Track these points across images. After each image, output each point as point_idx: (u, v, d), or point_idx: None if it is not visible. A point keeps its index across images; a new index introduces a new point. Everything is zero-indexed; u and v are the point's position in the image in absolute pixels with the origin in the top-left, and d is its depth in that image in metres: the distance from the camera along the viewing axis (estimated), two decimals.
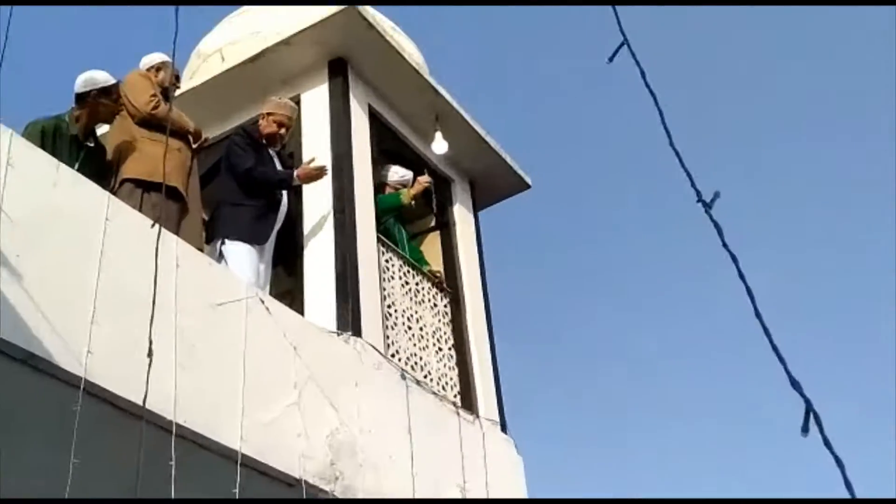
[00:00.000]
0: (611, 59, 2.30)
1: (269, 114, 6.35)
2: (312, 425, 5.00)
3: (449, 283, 7.29)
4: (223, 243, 5.92)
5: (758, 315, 1.79)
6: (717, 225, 1.96)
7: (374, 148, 6.94)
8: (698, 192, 2.01)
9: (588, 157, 21.05)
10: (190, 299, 4.55)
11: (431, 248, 7.66)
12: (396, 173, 7.28)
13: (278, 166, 6.27)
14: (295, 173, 6.14)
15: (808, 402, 1.66)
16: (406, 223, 7.32)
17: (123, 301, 4.11)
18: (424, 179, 7.16)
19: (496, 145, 7.89)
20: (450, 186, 7.85)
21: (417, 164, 7.49)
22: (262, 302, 5.05)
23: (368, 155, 6.85)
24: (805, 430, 1.66)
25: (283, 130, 6.34)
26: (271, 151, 6.30)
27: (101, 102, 5.61)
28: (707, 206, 1.99)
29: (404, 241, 7.04)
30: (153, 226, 4.37)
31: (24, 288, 3.77)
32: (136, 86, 5.85)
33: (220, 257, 5.86)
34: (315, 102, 6.86)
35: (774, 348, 1.74)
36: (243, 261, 5.82)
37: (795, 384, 1.68)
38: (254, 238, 5.94)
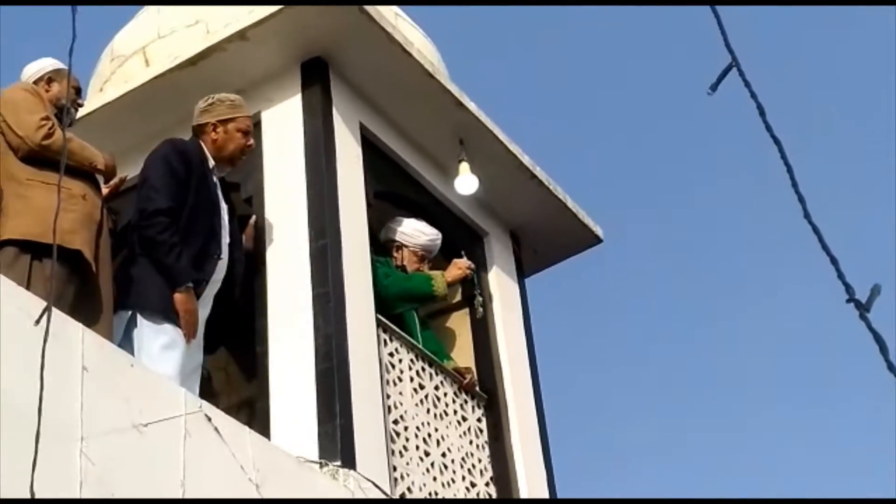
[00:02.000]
0: (714, 88, 2.29)
1: (223, 122, 6.31)
2: None
3: (483, 386, 7.23)
4: (133, 321, 5.85)
5: None
6: (878, 337, 1.92)
7: (369, 187, 6.95)
8: (849, 288, 1.98)
9: (676, 204, 21.36)
10: (102, 417, 4.50)
11: (455, 334, 7.62)
12: (421, 233, 7.26)
13: (223, 208, 6.23)
14: (178, 296, 5.82)
15: None
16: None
17: (9, 423, 4.06)
18: (465, 264, 7.15)
19: (550, 182, 7.88)
20: (482, 243, 7.82)
21: (432, 210, 7.48)
22: (209, 420, 5.01)
23: (362, 198, 6.84)
24: None
25: (251, 141, 6.37)
26: (216, 178, 6.29)
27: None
28: (862, 309, 1.95)
29: (416, 327, 7.02)
30: (38, 321, 4.29)
31: None
32: (20, 106, 5.84)
33: (123, 339, 5.76)
34: (282, 122, 6.88)
35: None
36: (172, 357, 5.76)
37: None
38: (171, 310, 5.86)
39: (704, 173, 21.27)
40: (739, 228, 20.58)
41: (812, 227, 2.05)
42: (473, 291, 7.30)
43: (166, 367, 5.62)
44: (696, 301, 21.22)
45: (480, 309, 7.30)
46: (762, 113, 2.21)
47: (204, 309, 6.03)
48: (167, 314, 5.81)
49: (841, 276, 1.99)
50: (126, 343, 5.71)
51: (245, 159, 6.45)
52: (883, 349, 1.96)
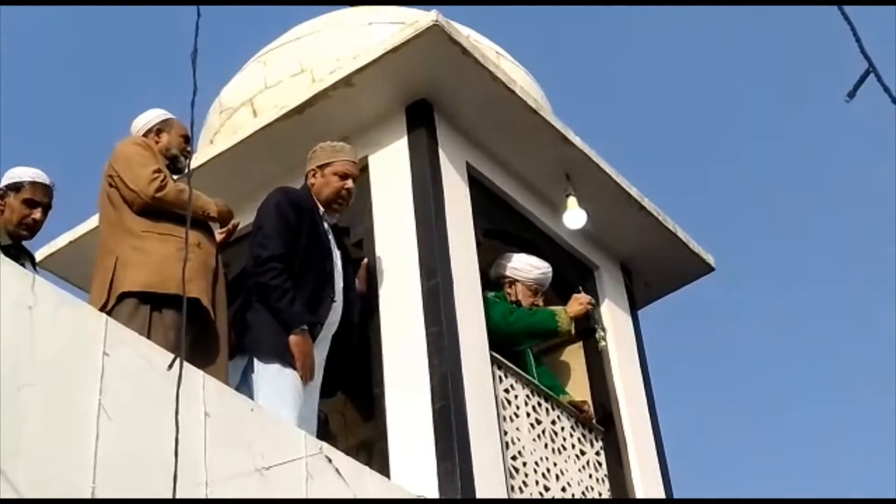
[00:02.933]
0: (852, 94, 2.25)
1: (322, 167, 6.37)
2: None
3: (600, 419, 7.22)
4: (250, 366, 5.94)
5: None
6: None
7: (477, 226, 6.99)
8: None
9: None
10: (225, 462, 4.56)
11: (569, 367, 7.62)
12: (533, 267, 7.28)
13: (335, 254, 6.30)
14: (293, 338, 5.88)
15: None
16: None
17: (134, 471, 4.13)
18: (586, 299, 7.13)
19: (659, 212, 7.87)
20: (593, 276, 7.82)
21: (542, 246, 7.50)
22: (330, 461, 5.04)
23: (472, 237, 6.88)
24: None
25: (349, 184, 6.36)
26: (328, 224, 6.36)
27: (7, 203, 6.02)
28: None
29: (531, 363, 7.02)
30: (170, 366, 4.40)
31: None
32: (131, 160, 5.94)
33: (240, 383, 5.84)
34: (390, 165, 6.96)
35: None
36: (287, 399, 5.82)
37: None
38: (287, 353, 5.91)
39: (843, 189, 20.55)
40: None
41: None
42: (590, 325, 7.27)
43: (283, 410, 5.67)
44: (816, 328, 20.85)
45: (603, 343, 7.29)
46: None
47: (321, 352, 6.08)
48: (283, 357, 5.86)
49: None
50: (244, 387, 5.78)
51: (351, 204, 6.45)
52: None
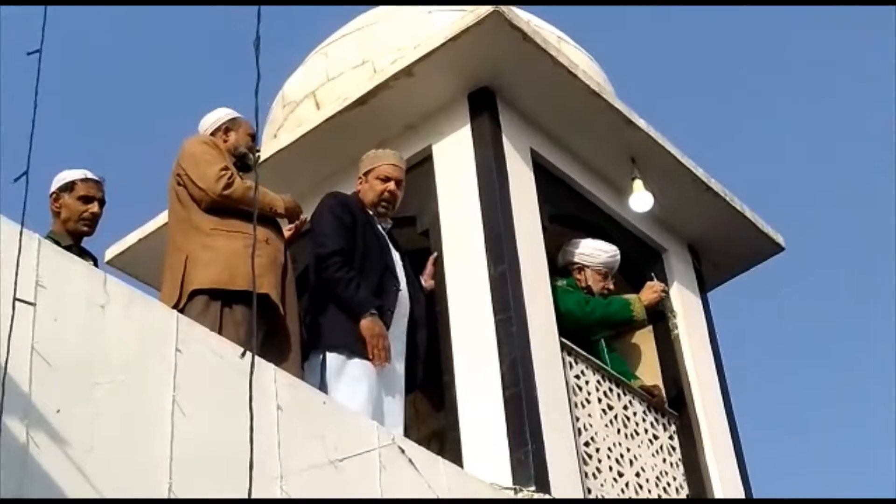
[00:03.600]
0: None
1: (366, 173, 6.44)
2: None
3: (672, 403, 7.19)
4: (323, 362, 5.97)
5: None
6: None
7: (543, 211, 6.98)
8: None
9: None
10: (299, 455, 4.59)
11: (640, 351, 7.60)
12: (601, 251, 7.27)
13: (394, 253, 6.33)
14: (363, 322, 5.93)
15: None
16: None
17: (210, 466, 4.17)
18: (659, 287, 7.14)
19: (726, 193, 7.82)
20: (661, 259, 7.80)
21: (609, 230, 7.48)
22: (403, 451, 5.06)
23: (538, 223, 6.87)
24: None
25: (391, 186, 6.39)
26: (381, 227, 6.39)
27: (63, 204, 6.08)
28: None
29: (604, 348, 7.01)
30: (243, 354, 4.45)
31: (68, 454, 3.86)
32: (199, 158, 5.99)
33: (320, 381, 5.87)
34: (454, 153, 6.97)
35: None
36: (359, 390, 5.86)
37: None
38: (357, 342, 5.95)
39: None
40: None
41: None
42: (663, 311, 7.25)
43: (354, 400, 5.71)
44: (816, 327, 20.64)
45: (676, 331, 7.28)
46: None
47: (397, 342, 6.10)
48: (352, 347, 5.91)
49: None
50: (321, 384, 5.82)
51: (397, 207, 6.47)
52: None
